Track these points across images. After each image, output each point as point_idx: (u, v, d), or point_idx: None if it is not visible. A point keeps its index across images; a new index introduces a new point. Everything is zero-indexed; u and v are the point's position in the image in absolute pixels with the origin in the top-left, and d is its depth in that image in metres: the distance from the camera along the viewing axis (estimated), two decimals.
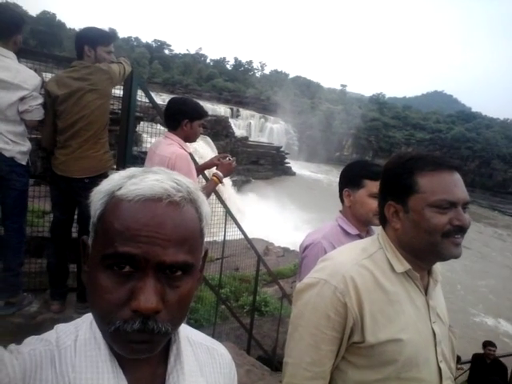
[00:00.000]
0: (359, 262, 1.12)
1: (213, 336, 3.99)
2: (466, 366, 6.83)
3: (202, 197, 0.63)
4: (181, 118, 2.61)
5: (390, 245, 1.16)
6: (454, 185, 1.08)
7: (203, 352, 0.74)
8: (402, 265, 1.12)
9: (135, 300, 0.54)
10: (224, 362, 0.77)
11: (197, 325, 5.02)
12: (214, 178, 2.66)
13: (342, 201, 1.96)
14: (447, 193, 1.06)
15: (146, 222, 0.55)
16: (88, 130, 2.59)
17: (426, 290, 1.17)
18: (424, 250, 1.11)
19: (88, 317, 0.64)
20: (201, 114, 2.68)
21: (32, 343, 0.60)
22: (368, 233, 1.95)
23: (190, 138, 2.69)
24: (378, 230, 1.29)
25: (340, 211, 2.00)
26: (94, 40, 2.63)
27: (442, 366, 1.13)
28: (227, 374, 0.76)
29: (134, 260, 0.55)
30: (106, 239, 0.56)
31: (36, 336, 0.62)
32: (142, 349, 0.57)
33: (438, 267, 1.24)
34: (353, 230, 1.90)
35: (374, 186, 1.81)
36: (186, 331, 0.73)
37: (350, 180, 1.90)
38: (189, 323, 4.74)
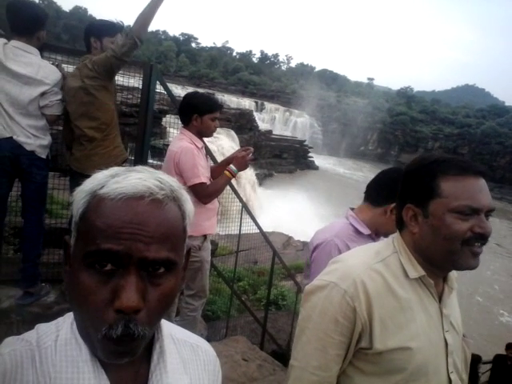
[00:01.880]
0: (371, 266, 1.09)
1: (227, 329, 4.04)
2: (487, 366, 6.70)
3: (185, 195, 0.64)
4: (191, 113, 2.60)
5: (404, 249, 1.12)
6: (479, 190, 1.02)
7: (187, 349, 0.74)
8: (415, 270, 1.09)
9: (118, 299, 0.54)
10: (208, 359, 0.77)
11: (214, 316, 5.08)
12: (227, 172, 2.62)
13: (376, 205, 1.81)
14: (471, 199, 1.01)
15: (129, 220, 0.55)
16: (90, 128, 2.56)
17: (440, 298, 1.13)
18: (441, 258, 1.06)
19: (69, 316, 0.64)
20: (211, 107, 2.63)
21: (12, 343, 0.61)
22: (377, 235, 1.88)
23: (203, 133, 2.67)
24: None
25: (351, 209, 1.93)
26: (99, 31, 2.63)
27: (453, 377, 1.09)
28: (211, 370, 0.76)
29: (117, 257, 0.55)
30: (88, 237, 0.56)
31: (16, 336, 0.62)
32: (122, 355, 0.57)
33: (455, 274, 1.19)
34: (365, 230, 1.83)
35: None
36: (169, 329, 0.72)
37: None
38: (206, 315, 4.80)
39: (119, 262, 0.55)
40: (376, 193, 1.84)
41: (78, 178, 2.65)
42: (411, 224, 1.10)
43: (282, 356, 4.13)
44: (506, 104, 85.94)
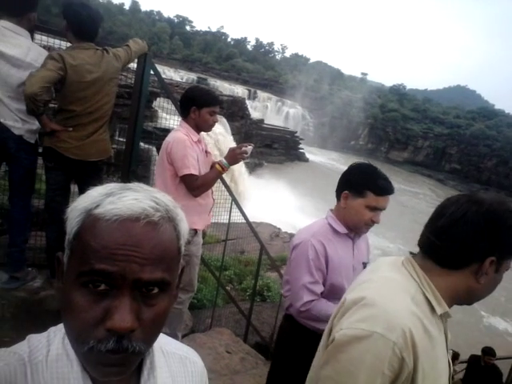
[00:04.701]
0: (411, 310, 1.01)
1: (212, 319, 4.07)
2: (463, 365, 6.87)
3: (180, 214, 0.64)
4: (189, 105, 2.62)
5: (428, 283, 1.07)
6: None
7: (176, 362, 0.75)
8: (441, 306, 1.06)
9: (110, 319, 0.54)
10: (196, 371, 0.79)
11: (199, 304, 5.10)
12: (217, 165, 2.63)
13: (338, 199, 1.95)
14: None
15: (124, 242, 0.55)
16: (105, 116, 2.65)
17: None
18: (474, 301, 1.11)
19: (61, 329, 0.63)
20: (209, 101, 2.63)
21: (5, 357, 0.60)
22: (357, 232, 1.97)
23: (200, 126, 2.67)
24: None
25: (331, 210, 2.01)
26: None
27: None
28: (198, 382, 0.78)
29: (111, 278, 0.55)
30: (82, 257, 0.56)
31: (7, 348, 0.62)
32: (115, 371, 0.57)
33: None
34: (342, 229, 1.92)
35: (374, 200, 1.81)
36: (159, 341, 0.72)
37: (353, 185, 1.86)
38: (191, 303, 4.81)
39: (113, 282, 0.55)
40: (337, 187, 1.95)
41: (74, 166, 2.63)
42: (483, 276, 1.04)
43: (265, 348, 4.19)
44: (496, 107, 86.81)
